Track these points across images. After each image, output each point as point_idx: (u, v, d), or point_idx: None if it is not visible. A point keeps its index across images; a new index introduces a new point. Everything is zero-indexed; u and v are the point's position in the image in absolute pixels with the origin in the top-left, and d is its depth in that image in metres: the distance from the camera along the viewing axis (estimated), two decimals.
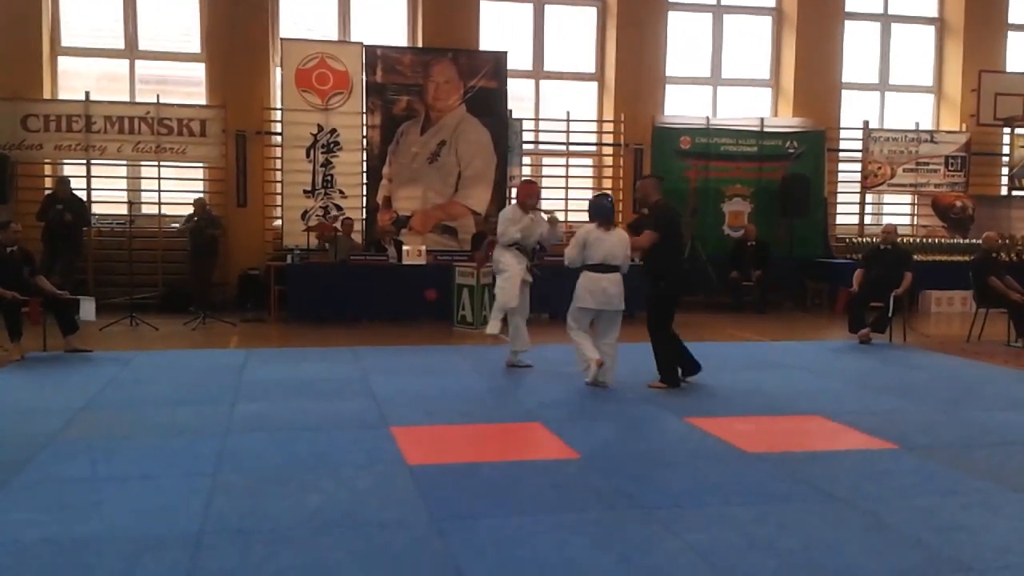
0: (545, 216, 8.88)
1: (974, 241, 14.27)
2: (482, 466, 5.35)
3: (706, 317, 13.20)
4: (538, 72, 15.08)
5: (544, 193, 15.04)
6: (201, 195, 13.25)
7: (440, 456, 5.56)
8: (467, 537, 4.15)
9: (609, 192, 13.36)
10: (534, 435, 5.98)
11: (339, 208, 13.24)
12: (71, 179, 12.67)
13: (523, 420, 6.49)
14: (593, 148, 15.32)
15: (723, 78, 15.73)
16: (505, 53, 13.75)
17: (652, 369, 7.79)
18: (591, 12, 15.17)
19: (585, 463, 5.40)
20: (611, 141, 15.03)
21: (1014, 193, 16.11)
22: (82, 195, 12.87)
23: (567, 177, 14.94)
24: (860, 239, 14.91)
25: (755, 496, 4.82)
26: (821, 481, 5.08)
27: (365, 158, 13.39)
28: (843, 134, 15.74)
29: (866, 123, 15.55)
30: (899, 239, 12.28)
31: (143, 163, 13.47)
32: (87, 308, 9.43)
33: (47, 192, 12.76)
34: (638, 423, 6.46)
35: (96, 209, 13.18)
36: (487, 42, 14.27)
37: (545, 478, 5.09)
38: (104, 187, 13.40)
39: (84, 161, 13.11)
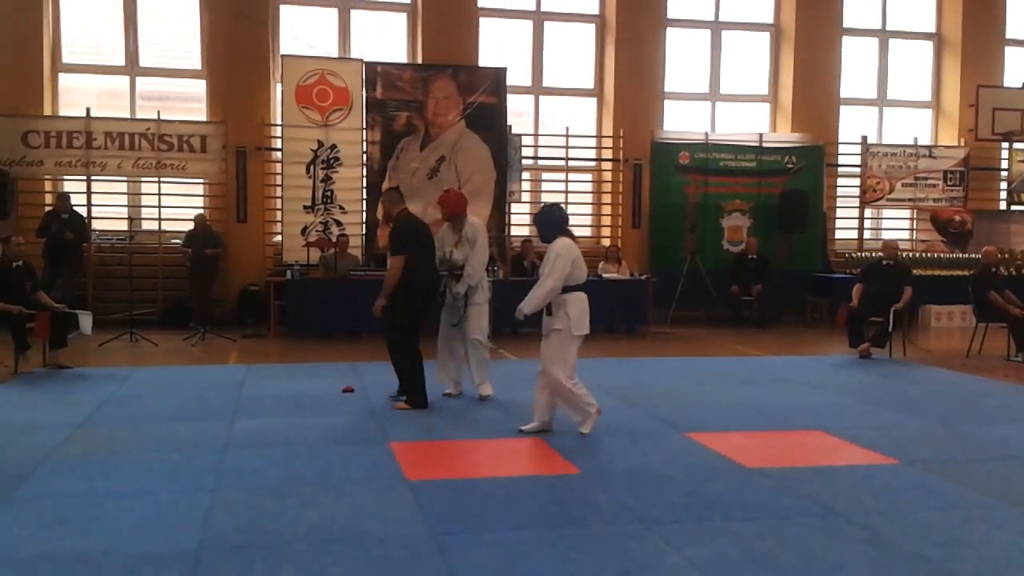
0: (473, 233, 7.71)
1: (973, 256, 14.29)
2: (481, 481, 5.34)
3: (706, 332, 13.21)
4: (537, 88, 15.12)
5: None
6: (201, 211, 13.27)
7: (439, 471, 5.56)
8: (467, 552, 4.14)
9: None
10: (533, 450, 5.97)
11: (339, 223, 13.25)
12: (72, 195, 12.69)
13: (522, 435, 6.48)
14: (592, 163, 15.36)
15: (722, 94, 15.78)
16: (504, 69, 13.79)
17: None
18: (590, 28, 15.23)
19: (585, 478, 5.39)
20: (610, 156, 15.06)
21: (1013, 207, 16.14)
22: (82, 211, 12.88)
23: (567, 192, 14.96)
24: (859, 254, 14.92)
25: (755, 511, 4.81)
26: (821, 496, 5.07)
27: (365, 174, 13.41)
28: (842, 149, 15.77)
29: (864, 138, 15.59)
30: (899, 254, 12.28)
31: (143, 179, 13.47)
32: (85, 322, 9.43)
33: (48, 208, 12.78)
34: (637, 438, 6.45)
35: (96, 225, 13.18)
36: (486, 58, 14.33)
37: (545, 493, 5.09)
38: (104, 203, 13.40)
39: (84, 177, 13.13)
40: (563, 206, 7.34)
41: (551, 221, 6.70)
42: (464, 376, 7.92)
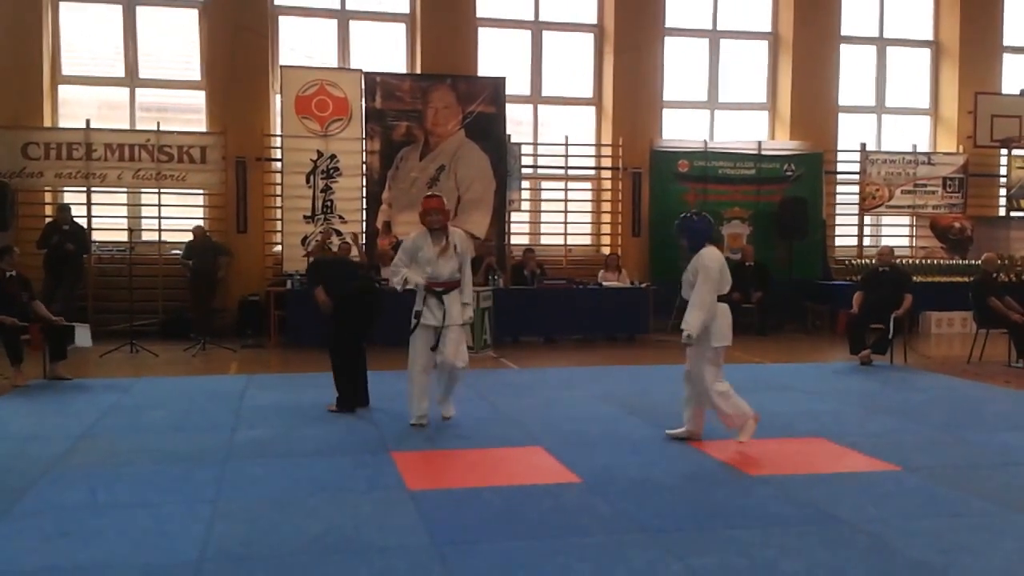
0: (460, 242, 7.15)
1: (973, 262, 14.31)
2: (483, 491, 5.33)
3: None
4: (536, 97, 15.15)
5: (543, 217, 15.21)
6: (200, 222, 13.27)
7: (441, 481, 5.55)
8: (469, 562, 4.13)
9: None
10: (535, 459, 5.96)
11: (339, 233, 13.24)
12: (72, 206, 12.70)
13: (524, 444, 6.47)
14: (592, 172, 15.37)
15: (720, 102, 15.80)
16: (503, 79, 13.81)
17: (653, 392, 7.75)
18: (588, 38, 15.26)
19: (587, 487, 5.38)
20: (609, 165, 15.08)
21: (1012, 214, 16.17)
22: (83, 222, 12.89)
23: (566, 201, 14.98)
24: (859, 261, 14.93)
25: (758, 519, 4.81)
26: (824, 503, 5.06)
27: (365, 183, 13.42)
28: (840, 156, 15.79)
29: (863, 145, 15.61)
30: (896, 260, 12.29)
31: (143, 190, 13.49)
32: (82, 335, 9.43)
33: (48, 220, 12.79)
34: (639, 446, 6.44)
35: (96, 236, 13.19)
36: (485, 68, 14.35)
37: (547, 502, 5.08)
38: (104, 214, 13.42)
39: (84, 188, 13.14)
40: (705, 214, 6.83)
41: (699, 230, 6.58)
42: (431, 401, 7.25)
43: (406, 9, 14.48)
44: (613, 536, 4.52)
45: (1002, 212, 16.29)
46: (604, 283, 13.27)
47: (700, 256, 6.45)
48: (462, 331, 7.14)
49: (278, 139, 13.59)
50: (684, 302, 6.47)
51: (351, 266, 8.18)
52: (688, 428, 6.59)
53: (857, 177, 15.61)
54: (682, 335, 6.32)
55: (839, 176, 15.80)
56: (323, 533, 4.51)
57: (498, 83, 13.77)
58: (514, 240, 14.22)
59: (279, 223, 13.48)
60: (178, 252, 13.09)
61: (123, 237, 12.57)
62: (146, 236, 13.38)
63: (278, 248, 13.61)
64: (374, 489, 5.34)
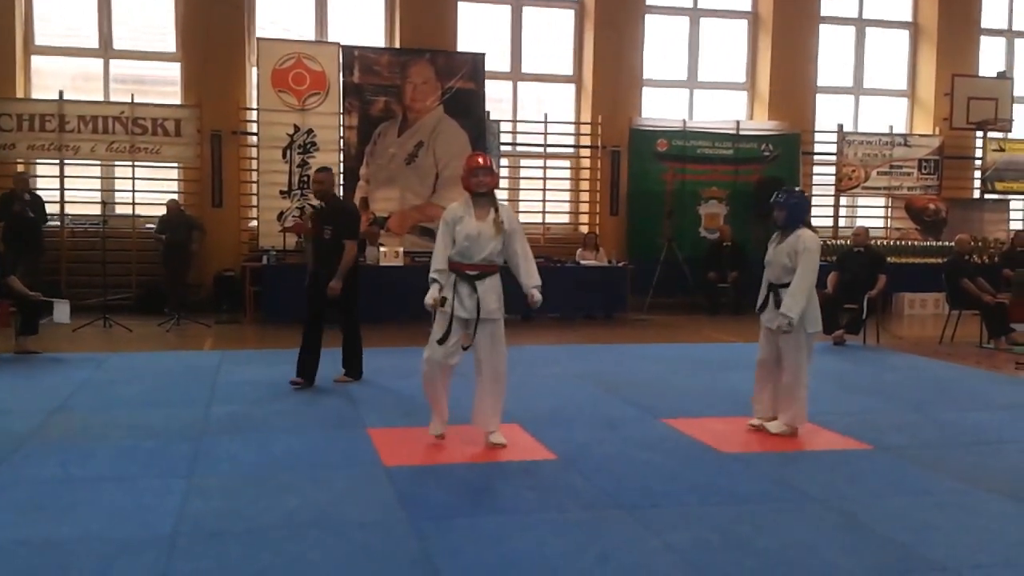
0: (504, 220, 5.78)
1: (947, 244, 14.42)
2: (459, 467, 5.34)
3: (682, 318, 13.27)
4: (516, 74, 15.08)
5: (521, 195, 15.18)
6: (174, 196, 13.13)
7: (417, 457, 5.56)
8: (445, 537, 4.14)
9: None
10: (511, 436, 5.97)
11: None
12: (44, 179, 12.51)
13: (502, 421, 6.48)
14: (571, 150, 15.34)
15: (699, 81, 15.79)
16: (483, 54, 13.73)
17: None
18: (569, 14, 15.19)
19: (563, 464, 5.41)
20: (588, 143, 15.06)
21: (986, 196, 16.31)
22: (55, 195, 12.74)
23: (544, 179, 14.95)
24: (834, 241, 15.02)
25: (732, 496, 4.85)
26: (797, 481, 5.12)
27: (342, 159, 13.33)
28: (818, 137, 15.85)
29: (840, 126, 15.66)
30: (872, 241, 12.37)
31: (117, 163, 13.33)
32: (61, 311, 9.33)
33: (5, 191, 12.51)
34: (615, 424, 6.47)
35: (69, 209, 13.05)
36: (465, 43, 14.25)
37: (523, 479, 5.10)
38: (77, 187, 13.26)
39: (57, 161, 12.97)
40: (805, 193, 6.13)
41: (803, 207, 6.35)
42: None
43: None
44: (589, 512, 4.55)
45: (976, 194, 16.44)
46: (582, 262, 13.29)
47: (801, 238, 6.22)
48: (500, 327, 5.79)
49: (254, 112, 13.46)
50: (775, 285, 6.27)
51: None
52: (770, 413, 6.35)
53: (834, 158, 15.68)
54: (781, 321, 6.07)
55: (816, 157, 15.87)
56: (298, 508, 4.51)
57: (477, 59, 13.68)
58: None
59: (255, 198, 13.36)
60: (152, 226, 12.95)
61: (96, 210, 12.42)
62: (120, 210, 13.23)
63: (253, 223, 13.50)
64: (350, 465, 5.34)
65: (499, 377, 5.80)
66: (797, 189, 6.45)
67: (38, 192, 12.54)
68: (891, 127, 16.11)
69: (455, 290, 5.60)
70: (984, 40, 16.49)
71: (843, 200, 16.10)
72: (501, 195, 14.14)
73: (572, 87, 15.29)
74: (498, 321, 5.73)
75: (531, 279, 5.73)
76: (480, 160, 5.78)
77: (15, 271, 10.75)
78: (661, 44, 15.51)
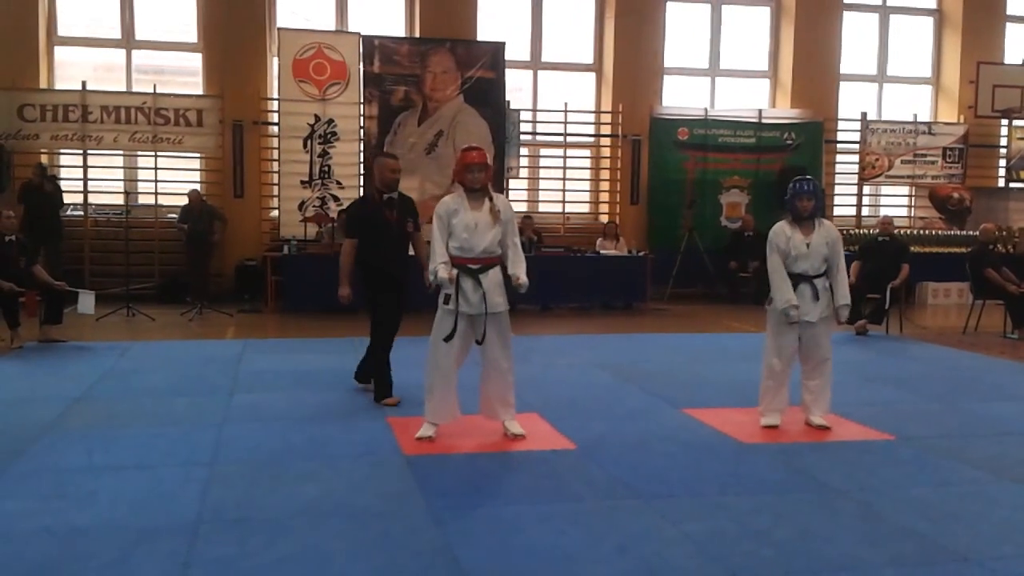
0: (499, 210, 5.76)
1: (971, 233, 14.28)
2: (478, 456, 5.36)
3: (703, 308, 13.23)
4: (536, 63, 15.04)
5: (542, 184, 15.15)
6: (196, 186, 13.21)
7: (436, 446, 5.56)
8: (463, 526, 4.16)
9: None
10: (531, 425, 5.98)
11: (336, 199, 13.21)
12: (68, 168, 12.61)
13: (520, 411, 6.49)
14: (591, 139, 15.30)
15: (721, 69, 15.70)
16: (503, 44, 13.70)
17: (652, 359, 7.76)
18: (589, 2, 15.12)
19: (581, 453, 5.41)
20: (609, 132, 15.01)
21: (1011, 185, 16.15)
22: (79, 185, 12.86)
23: (564, 168, 14.92)
24: (857, 230, 14.90)
25: (751, 486, 4.83)
26: (817, 471, 5.09)
27: (362, 148, 13.36)
28: (841, 125, 15.73)
29: (864, 115, 15.53)
30: (896, 231, 12.28)
31: (140, 153, 13.44)
32: (86, 302, 9.41)
33: (24, 180, 12.58)
34: (634, 414, 6.47)
35: (92, 199, 13.17)
36: (485, 32, 14.23)
37: (542, 468, 5.10)
38: (101, 177, 13.37)
39: (80, 151, 13.07)
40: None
41: (816, 188, 6.27)
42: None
43: None
44: (607, 501, 4.55)
45: (1001, 183, 16.26)
46: (602, 251, 13.26)
47: (829, 227, 6.28)
48: (506, 320, 5.74)
49: (275, 103, 13.50)
50: (811, 277, 6.23)
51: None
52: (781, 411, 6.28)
53: (857, 146, 15.56)
54: (843, 311, 6.13)
55: (839, 145, 15.75)
56: (319, 497, 4.53)
57: (497, 48, 13.66)
58: (512, 207, 14.15)
59: (276, 188, 13.42)
60: (174, 216, 13.04)
61: (119, 200, 12.51)
62: (142, 200, 13.34)
63: (275, 213, 13.56)
64: (370, 454, 5.36)
65: (508, 368, 5.75)
66: (808, 177, 6.45)
67: (58, 180, 12.67)
68: (915, 115, 15.96)
69: (458, 286, 5.51)
70: (1009, 27, 16.28)
71: (866, 189, 15.97)
72: (521, 184, 14.39)
73: (592, 76, 15.24)
74: (504, 313, 5.71)
75: (517, 267, 5.70)
76: (475, 157, 5.72)
77: (37, 259, 10.88)
78: (682, 32, 15.43)
